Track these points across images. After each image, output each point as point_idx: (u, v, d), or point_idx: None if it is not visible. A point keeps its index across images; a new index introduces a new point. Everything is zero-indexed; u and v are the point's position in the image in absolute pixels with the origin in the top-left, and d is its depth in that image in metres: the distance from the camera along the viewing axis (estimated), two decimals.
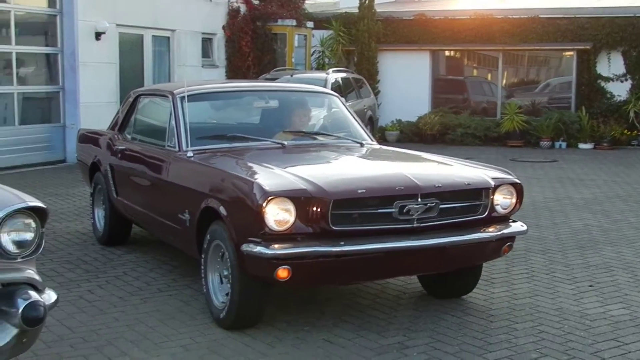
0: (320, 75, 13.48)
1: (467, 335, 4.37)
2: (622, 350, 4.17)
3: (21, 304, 3.13)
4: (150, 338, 4.30)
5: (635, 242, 6.86)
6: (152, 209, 5.55)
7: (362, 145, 5.62)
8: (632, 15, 15.48)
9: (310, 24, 17.22)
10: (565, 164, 12.84)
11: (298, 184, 4.20)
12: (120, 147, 6.19)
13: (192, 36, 14.73)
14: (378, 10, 16.98)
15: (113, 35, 12.77)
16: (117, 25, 12.86)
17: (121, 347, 4.16)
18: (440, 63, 17.81)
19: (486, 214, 4.56)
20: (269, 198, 4.02)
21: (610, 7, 15.85)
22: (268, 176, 4.36)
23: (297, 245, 4.05)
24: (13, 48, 11.59)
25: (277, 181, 4.25)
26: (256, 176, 4.36)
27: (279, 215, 4.04)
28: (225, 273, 4.43)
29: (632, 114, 15.08)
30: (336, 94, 6.30)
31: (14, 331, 3.18)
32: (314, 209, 4.07)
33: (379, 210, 4.24)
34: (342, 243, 4.08)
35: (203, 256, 4.63)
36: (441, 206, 4.36)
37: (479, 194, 4.56)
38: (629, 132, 15.27)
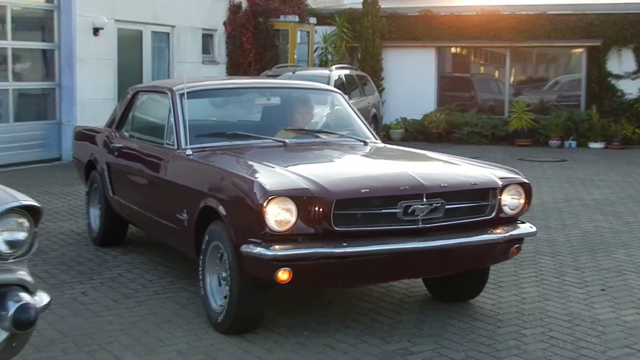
0: (323, 72, 13.46)
1: (474, 341, 4.33)
2: (636, 357, 4.13)
3: (12, 307, 3.10)
4: (145, 342, 4.27)
5: None
6: (149, 209, 5.52)
7: (365, 143, 5.60)
8: None
9: (313, 20, 17.20)
10: (575, 163, 12.79)
11: (300, 183, 4.17)
12: (117, 145, 6.17)
13: (192, 32, 14.71)
14: (382, 6, 16.94)
15: (111, 31, 12.75)
16: (116, 20, 12.84)
17: (115, 352, 4.12)
18: (446, 60, 17.77)
19: (493, 214, 4.53)
20: (270, 197, 3.99)
21: (620, 4, 15.79)
22: (269, 175, 4.33)
23: (298, 247, 4.03)
24: (9, 43, 11.57)
25: (278, 180, 4.22)
26: (257, 175, 4.33)
27: (279, 215, 4.01)
28: (224, 275, 4.40)
29: None
30: (339, 91, 6.30)
31: (3, 334, 3.15)
32: (316, 209, 4.04)
33: (383, 211, 4.21)
34: (345, 244, 4.06)
35: (201, 257, 4.60)
36: (447, 206, 4.32)
37: (486, 194, 4.52)
38: None
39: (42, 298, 3.34)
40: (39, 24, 12.38)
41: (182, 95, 5.35)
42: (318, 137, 5.63)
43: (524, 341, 4.34)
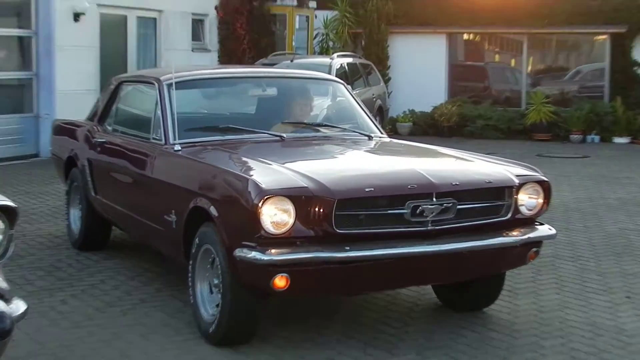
0: (324, 60, 13.45)
1: (489, 354, 4.33)
2: None
3: None
4: (130, 355, 4.27)
5: None
6: (135, 209, 5.52)
7: (370, 138, 5.60)
8: None
9: (313, 4, 17.19)
10: (599, 159, 12.79)
11: (298, 181, 4.17)
12: (99, 140, 6.18)
13: (181, 17, 14.70)
14: None
15: (93, 16, 12.75)
16: (98, 5, 12.84)
17: None
18: (458, 47, 17.77)
19: (509, 215, 4.53)
20: (266, 197, 3.99)
21: None
22: (265, 172, 4.34)
23: (297, 251, 4.03)
24: None
25: (274, 178, 4.22)
26: (251, 172, 4.33)
27: (276, 216, 4.02)
28: (216, 282, 4.40)
29: None
30: (341, 81, 6.30)
31: None
32: (316, 209, 4.05)
33: (389, 211, 4.21)
34: (347, 248, 4.06)
35: (191, 262, 4.60)
36: (459, 207, 4.32)
37: (501, 193, 4.53)
38: None
39: (18, 306, 3.34)
40: (14, 9, 12.37)
41: (170, 85, 5.35)
42: (318, 131, 5.64)
43: (543, 353, 4.34)
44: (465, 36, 17.75)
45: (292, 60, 13.27)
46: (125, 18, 13.65)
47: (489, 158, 5.14)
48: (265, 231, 4.00)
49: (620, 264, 6.29)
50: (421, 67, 16.86)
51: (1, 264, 3.31)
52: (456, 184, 4.36)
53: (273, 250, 3.99)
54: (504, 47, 18.23)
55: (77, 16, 12.40)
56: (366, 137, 5.59)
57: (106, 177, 6.06)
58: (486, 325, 4.80)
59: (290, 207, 4.02)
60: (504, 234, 4.49)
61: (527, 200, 4.61)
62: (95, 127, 6.42)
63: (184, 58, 14.51)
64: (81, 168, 6.43)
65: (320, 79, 6.42)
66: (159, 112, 5.33)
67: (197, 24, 15.41)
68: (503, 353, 4.34)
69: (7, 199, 3.30)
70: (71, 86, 12.32)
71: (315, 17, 17.35)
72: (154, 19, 14.26)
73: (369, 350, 4.35)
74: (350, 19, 17.05)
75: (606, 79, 16.21)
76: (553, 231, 4.74)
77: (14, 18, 12.39)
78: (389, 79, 16.94)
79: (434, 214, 4.24)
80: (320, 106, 6.13)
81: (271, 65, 12.48)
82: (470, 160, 4.99)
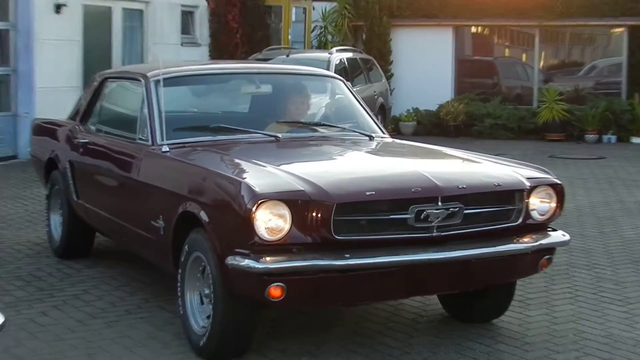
0: (322, 55, 13.48)
1: None
2: None
3: None
4: None
5: None
6: (120, 215, 5.53)
7: (371, 138, 5.61)
8: None
9: None
10: (615, 161, 12.81)
11: (294, 184, 4.18)
12: (82, 141, 6.18)
13: (169, 9, 14.72)
14: None
15: (76, 8, 12.76)
16: None
17: None
18: (466, 41, 17.80)
19: (520, 221, 4.54)
20: (260, 201, 4.00)
21: None
22: (259, 175, 4.35)
23: (293, 258, 4.03)
24: None
25: (269, 181, 4.23)
26: (244, 175, 4.34)
27: (271, 221, 4.02)
28: (207, 291, 4.41)
29: None
30: (341, 78, 6.31)
31: None
32: (314, 214, 4.06)
33: (392, 217, 4.22)
34: (347, 256, 4.07)
35: (180, 271, 4.61)
36: (466, 212, 4.33)
37: (511, 197, 4.54)
38: None
39: None
40: None
41: (157, 82, 5.36)
42: (316, 130, 5.64)
43: None
44: (473, 29, 17.78)
45: (288, 55, 13.28)
46: (109, 10, 13.66)
47: (498, 159, 5.15)
48: (260, 237, 4.00)
49: (638, 272, 6.30)
50: (426, 62, 16.88)
51: None
52: (463, 188, 4.37)
53: (268, 258, 4.00)
54: (514, 40, 18.26)
55: (58, 8, 12.42)
56: (367, 137, 5.60)
57: (89, 181, 6.06)
58: (495, 337, 4.81)
59: (285, 212, 4.03)
60: (514, 241, 4.50)
61: (539, 204, 4.62)
62: (77, 127, 6.43)
63: (173, 53, 14.53)
64: (62, 170, 6.44)
65: (318, 75, 6.42)
66: (146, 110, 5.33)
67: (187, 16, 15.43)
68: None
69: None
70: (52, 83, 12.33)
71: (313, 8, 17.37)
72: (141, 11, 14.27)
73: None
74: (350, 11, 17.07)
75: (623, 75, 16.25)
76: (567, 237, 4.75)
77: None
78: (392, 75, 16.96)
79: (439, 219, 4.24)
80: (318, 104, 6.13)
81: (266, 60, 12.49)
82: (478, 162, 5.00)
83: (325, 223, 4.05)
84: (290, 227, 4.04)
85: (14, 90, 12.32)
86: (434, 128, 16.35)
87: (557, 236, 4.69)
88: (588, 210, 8.81)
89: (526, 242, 4.51)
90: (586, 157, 13.34)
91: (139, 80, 5.59)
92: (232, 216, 4.12)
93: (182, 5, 15.12)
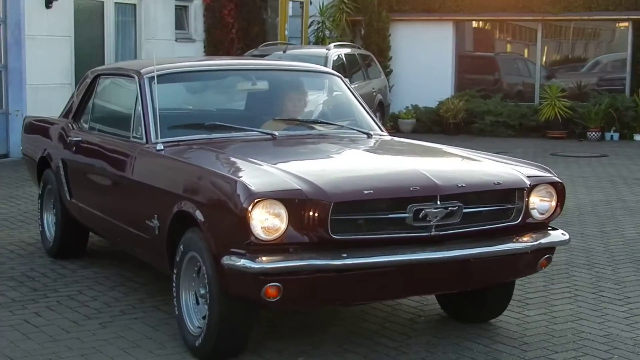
0: (320, 51, 13.49)
1: None
2: None
3: None
4: None
5: None
6: (114, 214, 5.56)
7: (369, 136, 5.64)
8: None
9: None
10: (618, 159, 12.85)
11: (291, 183, 4.21)
12: (75, 139, 6.20)
13: (163, 3, 14.72)
14: None
15: (67, 2, 12.75)
16: None
17: None
18: (466, 36, 17.81)
19: (520, 220, 4.58)
20: (256, 200, 4.03)
21: None
22: (255, 174, 4.38)
23: (290, 258, 4.07)
24: None
25: (265, 180, 4.26)
26: (240, 174, 4.37)
27: (267, 221, 4.06)
28: (202, 292, 4.44)
29: None
30: (339, 74, 6.32)
31: None
32: (311, 213, 4.09)
33: (390, 216, 4.25)
34: (345, 255, 4.10)
35: (175, 271, 4.64)
36: (465, 210, 4.37)
37: (511, 195, 4.57)
38: None
39: None
40: None
41: (151, 79, 5.38)
42: (313, 128, 5.67)
43: None
44: (474, 24, 17.80)
45: (284, 51, 13.32)
46: (102, 4, 13.65)
47: (499, 158, 5.17)
48: (256, 237, 4.04)
49: (639, 271, 6.34)
50: (426, 58, 16.90)
51: None
52: (462, 186, 4.40)
53: (264, 258, 4.03)
54: (516, 35, 18.29)
55: (49, 2, 12.40)
56: (365, 135, 5.63)
57: (82, 180, 6.08)
58: (494, 337, 4.86)
59: (282, 211, 4.06)
60: (514, 240, 4.53)
61: (539, 203, 4.65)
62: (70, 125, 6.45)
63: (167, 48, 14.53)
64: (55, 169, 6.46)
65: (315, 71, 6.44)
66: (140, 108, 5.35)
67: (181, 11, 15.43)
68: None
69: None
70: (43, 80, 12.33)
71: (310, 3, 17.39)
72: (134, 5, 14.27)
73: None
74: (348, 6, 17.09)
75: (627, 71, 16.28)
76: (567, 236, 4.78)
77: None
78: (391, 71, 16.99)
79: (438, 218, 4.28)
80: (316, 101, 6.15)
81: (262, 56, 12.53)
82: (477, 160, 5.03)
83: (322, 222, 4.08)
84: (287, 227, 4.07)
85: (4, 87, 12.29)
86: (433, 125, 16.38)
87: (557, 235, 4.73)
88: (589, 209, 8.85)
89: (526, 242, 4.54)
90: (588, 155, 13.38)
91: (133, 77, 5.61)
92: (227, 215, 4.16)
93: (177, 0, 15.12)
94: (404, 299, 5.38)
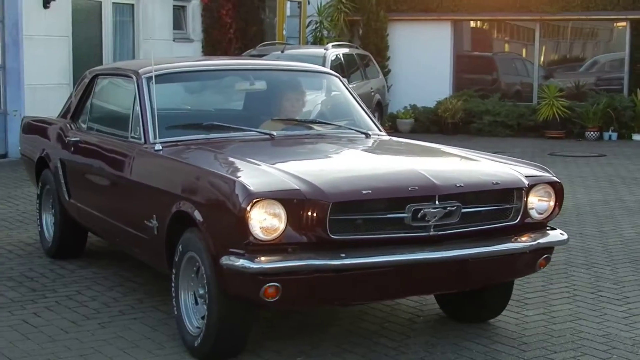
0: (318, 51, 13.51)
1: None
2: None
3: None
4: None
5: None
6: (112, 215, 5.56)
7: (367, 136, 5.65)
8: None
9: None
10: (616, 159, 12.87)
11: (289, 183, 4.22)
12: (73, 139, 6.20)
13: (161, 3, 14.73)
14: None
15: (65, 2, 12.75)
16: None
17: None
18: (464, 36, 17.83)
19: (518, 219, 4.58)
20: (255, 200, 4.04)
21: None
22: (253, 174, 4.39)
23: (288, 258, 4.07)
24: None
25: (264, 180, 4.27)
26: (238, 174, 4.38)
27: (266, 221, 4.06)
28: (201, 292, 4.45)
29: None
30: (337, 74, 6.33)
31: None
32: (309, 213, 4.10)
33: (388, 216, 4.26)
34: (343, 255, 4.11)
35: (174, 271, 4.65)
36: (463, 210, 4.38)
37: (509, 195, 4.58)
38: None
39: None
40: None
41: (149, 79, 5.38)
42: (311, 128, 5.68)
43: None
44: (472, 24, 17.82)
45: (282, 51, 13.32)
46: (100, 4, 13.65)
47: (497, 157, 5.19)
48: (254, 237, 4.04)
49: (637, 271, 6.35)
50: (424, 58, 16.91)
51: None
52: (461, 186, 4.41)
53: (263, 258, 4.03)
54: (514, 35, 18.30)
55: (47, 2, 12.40)
56: (363, 135, 5.64)
57: (81, 180, 6.08)
58: (492, 337, 4.86)
59: (281, 211, 4.07)
60: (512, 240, 4.54)
61: (538, 203, 4.66)
62: (68, 125, 6.45)
63: (165, 48, 14.53)
64: (53, 170, 6.46)
65: (313, 71, 6.45)
66: (138, 108, 5.35)
67: (179, 11, 15.43)
68: None
69: None
70: (41, 80, 12.33)
71: (308, 3, 17.39)
72: (132, 5, 14.27)
73: None
74: (346, 5, 17.09)
75: (625, 70, 16.29)
76: (565, 236, 4.79)
77: None
78: (389, 71, 17.00)
79: (436, 218, 4.29)
80: (314, 101, 6.16)
81: (260, 56, 12.55)
82: (476, 160, 5.04)
83: (321, 222, 4.09)
84: (286, 227, 4.07)
85: (2, 88, 12.29)
86: (431, 125, 16.39)
87: (556, 235, 4.74)
88: (587, 208, 8.86)
89: (524, 241, 4.55)
90: (586, 154, 13.39)
91: (131, 77, 5.61)
92: (226, 215, 4.16)
93: (175, 0, 15.12)
94: (403, 299, 5.39)
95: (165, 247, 4.75)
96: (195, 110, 5.94)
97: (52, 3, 12.44)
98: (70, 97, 6.94)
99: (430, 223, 4.29)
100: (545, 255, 4.71)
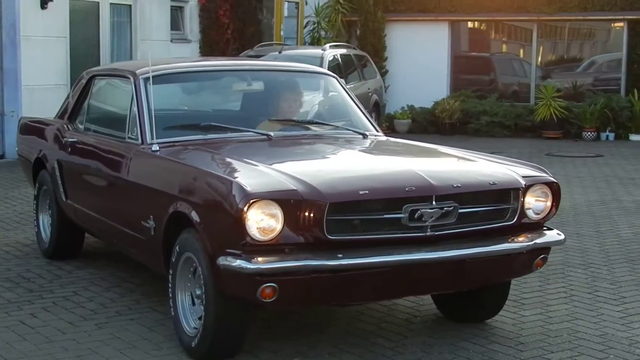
0: (315, 51, 13.51)
1: None
2: None
3: None
4: None
5: None
6: (109, 215, 5.56)
7: (365, 136, 5.66)
8: None
9: None
10: (613, 159, 12.89)
11: (286, 183, 4.23)
12: (70, 140, 6.21)
13: (158, 4, 14.72)
14: None
15: (62, 3, 12.75)
16: None
17: None
18: (462, 37, 17.84)
19: (515, 220, 4.59)
20: (252, 201, 4.04)
21: None
22: (250, 174, 4.39)
23: (285, 259, 4.08)
24: None
25: (261, 180, 4.27)
26: (236, 174, 4.38)
27: (263, 221, 4.07)
28: (198, 292, 4.45)
29: None
30: (334, 75, 6.33)
31: None
32: (306, 214, 4.10)
33: (385, 216, 4.27)
34: (340, 256, 4.11)
35: (171, 272, 4.65)
36: (460, 211, 4.39)
37: (506, 195, 4.59)
38: None
39: None
40: None
41: (146, 80, 5.39)
42: (308, 129, 5.69)
43: None
44: (470, 24, 17.83)
45: (280, 52, 13.32)
46: (97, 5, 13.65)
47: (494, 158, 5.19)
48: (251, 238, 4.05)
49: (634, 271, 6.36)
50: (421, 58, 16.92)
51: None
52: (458, 186, 4.41)
53: (260, 259, 4.04)
54: (511, 36, 18.32)
55: (44, 3, 12.39)
56: (361, 136, 5.64)
57: (78, 180, 6.09)
58: (489, 337, 4.87)
59: (278, 211, 4.07)
60: (509, 240, 4.55)
61: (535, 203, 4.67)
62: (65, 126, 6.45)
63: (162, 49, 14.53)
64: (51, 170, 6.46)
65: (310, 72, 6.46)
66: (135, 109, 5.36)
67: (177, 12, 15.43)
68: None
69: None
70: (39, 80, 12.33)
71: (306, 3, 17.40)
72: (129, 6, 14.27)
73: None
74: (344, 6, 17.10)
75: (623, 71, 16.31)
76: (562, 236, 4.80)
77: None
78: (386, 71, 17.01)
79: (433, 218, 4.29)
80: (311, 102, 6.17)
81: (257, 57, 12.55)
82: (473, 161, 5.04)
83: (318, 223, 4.09)
84: (283, 227, 4.08)
85: (0, 88, 12.30)
86: (429, 126, 16.40)
87: (553, 235, 4.75)
88: (584, 209, 8.87)
89: (521, 242, 4.56)
90: (584, 155, 13.41)
91: (128, 78, 5.62)
92: (223, 216, 4.17)
93: (172, 0, 15.12)
94: (400, 299, 5.40)
95: (162, 247, 4.76)
96: (192, 111, 5.95)
97: (49, 4, 12.44)
98: (68, 97, 6.94)
99: (427, 223, 4.29)
100: (542, 256, 4.72)
